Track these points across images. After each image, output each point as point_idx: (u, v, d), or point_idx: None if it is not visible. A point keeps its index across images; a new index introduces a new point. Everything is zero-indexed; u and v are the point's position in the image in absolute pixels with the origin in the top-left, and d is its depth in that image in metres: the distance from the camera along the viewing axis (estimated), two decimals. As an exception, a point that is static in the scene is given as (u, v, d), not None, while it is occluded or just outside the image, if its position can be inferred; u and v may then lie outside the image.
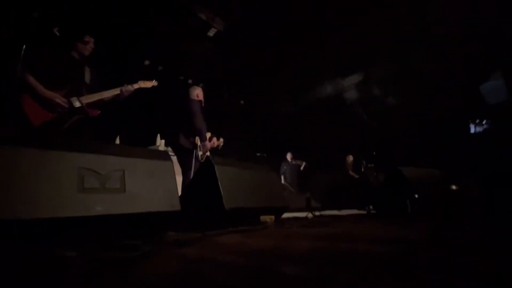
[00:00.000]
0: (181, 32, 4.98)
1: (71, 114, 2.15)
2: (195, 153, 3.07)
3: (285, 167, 6.90)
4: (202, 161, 3.05)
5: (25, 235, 1.24)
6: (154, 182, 1.76)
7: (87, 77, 2.34)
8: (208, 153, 3.19)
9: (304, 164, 6.99)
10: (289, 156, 6.98)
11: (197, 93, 3.42)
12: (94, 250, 1.18)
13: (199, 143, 3.12)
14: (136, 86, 2.48)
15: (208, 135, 3.32)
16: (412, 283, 0.73)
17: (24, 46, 2.02)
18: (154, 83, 2.65)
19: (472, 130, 5.80)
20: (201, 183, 2.31)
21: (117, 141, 4.25)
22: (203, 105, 3.40)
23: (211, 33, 5.17)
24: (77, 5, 3.86)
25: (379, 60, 5.89)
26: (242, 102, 7.50)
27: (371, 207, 4.42)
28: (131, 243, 1.27)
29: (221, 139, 3.51)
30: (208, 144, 3.20)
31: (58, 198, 1.35)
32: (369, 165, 6.13)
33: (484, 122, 5.61)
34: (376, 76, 6.46)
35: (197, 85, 6.38)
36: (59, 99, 2.07)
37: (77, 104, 2.15)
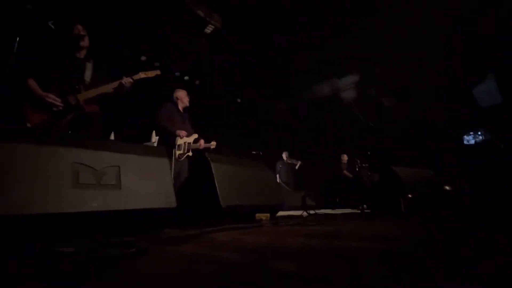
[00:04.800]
0: (178, 28, 4.94)
1: (66, 112, 2.12)
2: (173, 152, 3.05)
3: (280, 166, 6.92)
4: (180, 160, 3.06)
5: (19, 231, 1.22)
6: (150, 179, 1.75)
7: (88, 74, 2.31)
8: (190, 153, 3.17)
9: (299, 163, 7.01)
10: (284, 155, 7.00)
11: (177, 95, 3.44)
12: (90, 246, 1.18)
13: (178, 143, 3.11)
14: (136, 77, 2.40)
15: (195, 136, 3.31)
16: (405, 280, 0.75)
17: (18, 38, 1.98)
18: (157, 72, 2.55)
19: (466, 141, 5.92)
20: (197, 180, 2.30)
21: (112, 137, 4.20)
22: (183, 106, 3.44)
23: (208, 29, 5.13)
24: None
25: (376, 61, 5.93)
26: (238, 100, 7.49)
27: (364, 206, 4.47)
28: (127, 240, 1.27)
29: (213, 142, 3.49)
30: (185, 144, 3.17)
31: (52, 194, 1.33)
32: (363, 164, 6.18)
33: (479, 133, 5.70)
34: (372, 76, 6.51)
35: (193, 82, 6.36)
36: (51, 98, 2.05)
37: (72, 101, 2.13)
